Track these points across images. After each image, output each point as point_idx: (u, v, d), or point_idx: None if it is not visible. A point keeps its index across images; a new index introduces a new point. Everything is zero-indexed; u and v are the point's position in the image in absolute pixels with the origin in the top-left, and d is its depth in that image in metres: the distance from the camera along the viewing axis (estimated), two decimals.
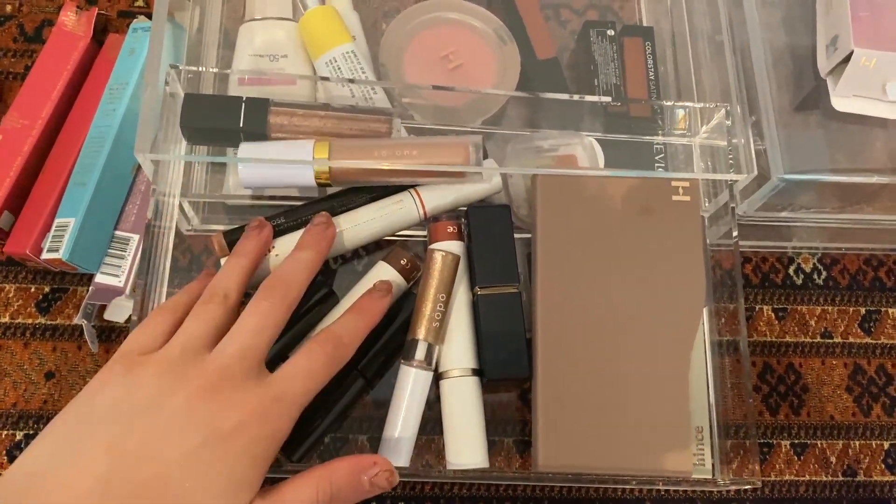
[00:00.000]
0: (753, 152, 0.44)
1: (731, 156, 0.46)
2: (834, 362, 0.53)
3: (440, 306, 0.43)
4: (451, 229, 0.46)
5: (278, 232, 0.45)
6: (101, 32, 0.56)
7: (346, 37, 0.51)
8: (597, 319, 0.44)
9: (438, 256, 0.44)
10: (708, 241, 0.49)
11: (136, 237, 0.50)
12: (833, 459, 0.51)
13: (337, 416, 0.43)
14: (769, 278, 0.55)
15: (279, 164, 0.44)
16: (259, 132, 0.45)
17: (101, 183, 0.49)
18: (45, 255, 0.47)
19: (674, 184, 0.46)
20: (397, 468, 0.38)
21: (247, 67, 0.51)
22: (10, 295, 0.50)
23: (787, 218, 0.51)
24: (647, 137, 0.51)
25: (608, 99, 0.49)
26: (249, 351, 0.36)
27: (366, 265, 0.50)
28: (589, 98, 0.48)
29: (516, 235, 0.47)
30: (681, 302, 0.45)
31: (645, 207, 0.46)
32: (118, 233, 0.50)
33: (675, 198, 0.46)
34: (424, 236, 0.49)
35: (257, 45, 0.52)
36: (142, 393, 0.34)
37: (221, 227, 0.48)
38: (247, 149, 0.44)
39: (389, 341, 0.45)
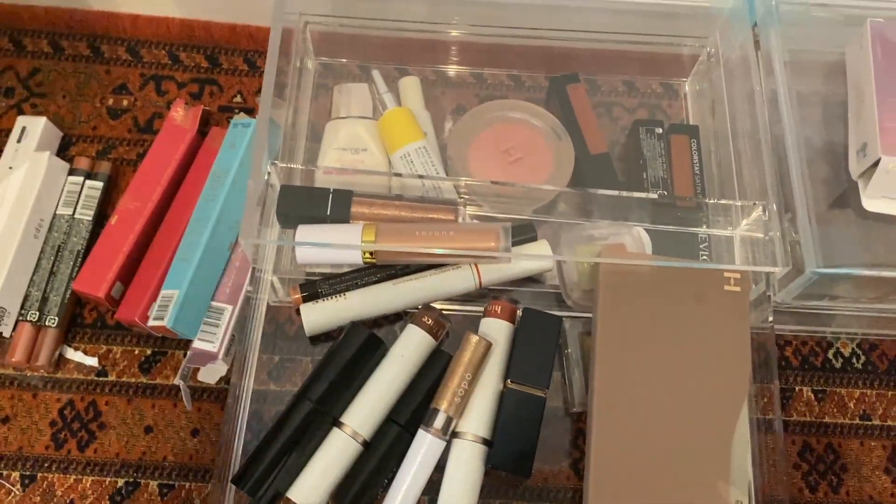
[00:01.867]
0: (788, 246, 0.48)
1: (768, 248, 0.50)
2: (873, 443, 0.56)
3: (465, 384, 0.48)
4: (499, 309, 0.51)
5: (349, 286, 0.53)
6: (204, 125, 0.63)
7: (418, 134, 0.58)
8: (649, 395, 0.48)
9: (473, 340, 0.49)
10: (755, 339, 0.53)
11: (229, 307, 0.56)
12: None
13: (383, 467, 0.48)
14: (809, 361, 0.58)
15: (332, 248, 0.50)
16: (343, 219, 0.51)
17: (203, 259, 0.55)
18: (151, 322, 0.54)
19: (726, 275, 0.51)
20: None
21: (332, 159, 0.58)
22: (118, 356, 0.57)
23: (825, 306, 0.54)
24: (693, 229, 0.56)
25: (654, 196, 0.54)
26: None
27: None
28: (637, 194, 0.53)
29: (566, 315, 0.52)
30: (727, 383, 0.49)
31: (698, 296, 0.50)
32: (214, 303, 0.56)
33: (726, 287, 0.51)
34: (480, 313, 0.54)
35: (341, 139, 0.58)
36: None
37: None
38: (304, 232, 0.50)
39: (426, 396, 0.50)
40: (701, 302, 0.50)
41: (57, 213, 0.59)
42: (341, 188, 0.52)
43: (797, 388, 0.57)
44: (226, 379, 0.56)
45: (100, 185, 0.60)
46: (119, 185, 0.62)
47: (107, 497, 0.53)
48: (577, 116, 0.60)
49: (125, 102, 0.66)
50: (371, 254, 0.50)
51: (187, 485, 0.53)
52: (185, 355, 0.55)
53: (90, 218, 0.59)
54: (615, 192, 0.53)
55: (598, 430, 0.47)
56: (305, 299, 0.52)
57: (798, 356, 0.58)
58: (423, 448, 0.47)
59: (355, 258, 0.51)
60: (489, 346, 0.49)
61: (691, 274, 0.50)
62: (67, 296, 0.56)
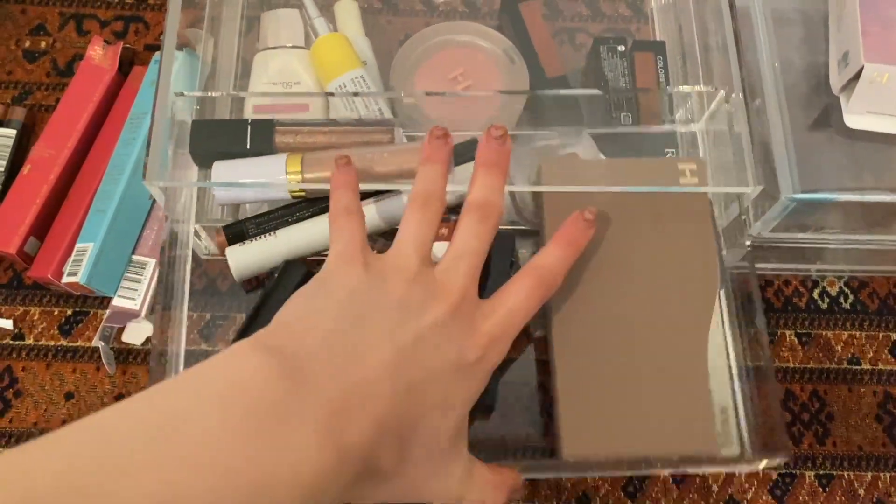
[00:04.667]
0: (753, 162, 0.43)
1: (738, 171, 0.44)
2: (862, 390, 0.51)
3: None
4: (445, 232, 0.46)
5: (279, 224, 0.48)
6: (129, 65, 0.58)
7: (355, 62, 0.52)
8: (609, 308, 0.44)
9: None
10: (726, 264, 0.48)
11: (152, 261, 0.51)
12: (861, 492, 0.49)
13: None
14: (792, 302, 0.53)
15: (254, 180, 0.45)
16: (267, 153, 0.46)
17: (119, 209, 0.50)
18: (65, 279, 0.49)
19: (680, 167, 0.46)
20: None
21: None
22: (35, 318, 0.52)
23: (808, 239, 0.49)
24: (654, 128, 0.51)
25: (596, 92, 0.49)
26: (475, 272, 0.37)
27: None
28: (586, 91, 0.49)
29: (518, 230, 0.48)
30: (694, 284, 0.45)
31: (651, 191, 0.46)
32: (135, 257, 0.51)
33: (682, 180, 0.46)
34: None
35: (271, 72, 0.53)
36: (397, 295, 0.34)
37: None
38: (220, 168, 0.45)
39: None
40: (656, 199, 0.45)
41: None
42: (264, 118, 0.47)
43: (779, 332, 0.52)
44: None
45: (13, 132, 0.55)
46: (36, 133, 0.57)
47: None
48: (532, 37, 0.54)
49: (43, 44, 0.60)
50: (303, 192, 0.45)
51: None
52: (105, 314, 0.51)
53: (2, 169, 0.54)
54: (567, 91, 0.48)
55: (560, 348, 0.43)
56: (231, 241, 0.47)
57: (780, 297, 0.53)
58: None
59: (282, 193, 0.45)
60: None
61: (642, 170, 0.46)
62: None
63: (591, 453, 0.42)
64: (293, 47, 0.53)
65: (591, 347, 0.43)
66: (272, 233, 0.48)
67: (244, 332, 0.44)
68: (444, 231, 0.46)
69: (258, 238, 0.47)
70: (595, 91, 0.51)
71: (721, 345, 0.44)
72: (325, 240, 0.47)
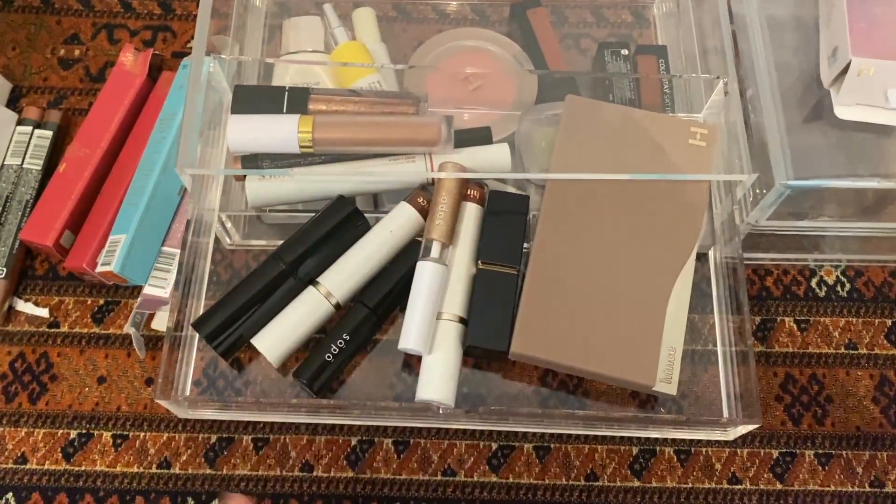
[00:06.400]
0: (751, 145, 0.46)
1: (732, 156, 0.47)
2: (859, 373, 0.53)
3: (443, 206, 0.47)
4: (470, 193, 0.49)
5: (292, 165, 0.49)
6: (157, 71, 0.61)
7: (372, 68, 0.55)
8: (594, 233, 0.48)
9: (448, 165, 0.48)
10: (723, 255, 0.50)
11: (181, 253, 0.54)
12: (860, 470, 0.51)
13: (351, 349, 0.48)
14: (791, 290, 0.55)
15: (267, 134, 0.47)
16: None
17: (150, 203, 0.53)
18: (99, 268, 0.52)
19: (692, 129, 0.49)
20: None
21: None
22: (70, 307, 0.55)
23: (805, 227, 0.51)
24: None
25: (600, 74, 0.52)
26: None
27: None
28: (590, 73, 0.53)
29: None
30: (676, 233, 0.48)
31: (659, 145, 0.49)
32: (165, 248, 0.54)
33: (691, 141, 0.49)
34: None
35: (293, 75, 0.56)
36: None
37: (262, 242, 0.53)
38: (237, 121, 0.48)
39: (399, 282, 0.48)
40: (661, 152, 0.48)
41: (4, 163, 0.57)
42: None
43: (779, 319, 0.54)
44: None
45: (49, 134, 0.58)
46: (70, 135, 0.60)
47: (59, 449, 0.51)
48: (539, 41, 0.57)
49: (77, 52, 0.64)
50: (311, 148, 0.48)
51: (141, 434, 0.51)
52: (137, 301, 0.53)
53: (39, 168, 0.57)
54: (566, 73, 0.51)
55: (538, 256, 0.47)
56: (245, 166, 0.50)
57: (780, 286, 0.55)
58: (427, 276, 0.46)
59: (292, 147, 0.48)
60: (461, 168, 0.48)
61: (656, 122, 0.50)
62: (16, 246, 0.55)
63: (536, 354, 0.45)
64: (313, 52, 0.56)
65: (568, 265, 0.47)
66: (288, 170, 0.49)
67: (281, 251, 0.48)
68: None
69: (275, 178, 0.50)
70: (600, 74, 0.55)
71: (686, 300, 0.47)
72: (340, 183, 0.50)
